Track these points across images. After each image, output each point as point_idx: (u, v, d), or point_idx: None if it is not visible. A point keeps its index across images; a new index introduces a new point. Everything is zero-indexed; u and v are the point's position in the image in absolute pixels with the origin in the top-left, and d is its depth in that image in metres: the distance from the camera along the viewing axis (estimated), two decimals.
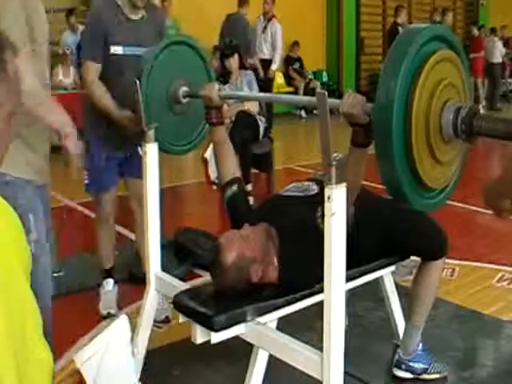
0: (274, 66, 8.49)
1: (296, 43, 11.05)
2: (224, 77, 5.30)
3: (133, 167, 3.07)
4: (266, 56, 8.34)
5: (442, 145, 1.68)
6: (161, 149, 2.57)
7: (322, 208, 1.75)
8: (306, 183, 2.36)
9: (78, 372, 1.18)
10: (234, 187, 2.34)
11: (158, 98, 2.53)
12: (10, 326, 0.81)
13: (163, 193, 2.64)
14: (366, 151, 1.84)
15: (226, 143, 2.43)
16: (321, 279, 1.85)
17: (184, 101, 2.57)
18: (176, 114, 2.61)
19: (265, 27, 8.47)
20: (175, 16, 8.29)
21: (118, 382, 1.26)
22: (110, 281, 3.32)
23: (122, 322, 1.27)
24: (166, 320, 3.13)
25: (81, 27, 8.49)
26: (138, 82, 2.46)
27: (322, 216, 1.77)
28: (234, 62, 5.16)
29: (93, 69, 2.91)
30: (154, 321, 3.10)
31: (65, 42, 8.38)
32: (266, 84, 8.38)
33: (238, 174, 2.40)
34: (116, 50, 2.90)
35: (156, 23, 3.05)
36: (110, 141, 3.02)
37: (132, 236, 4.34)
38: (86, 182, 3.16)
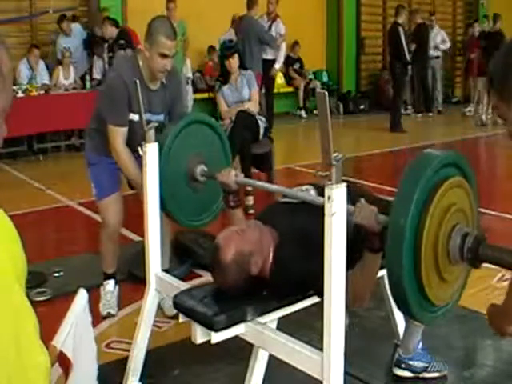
0: (277, 66, 8.46)
1: (296, 43, 11.04)
2: (224, 77, 5.30)
3: None
4: (269, 56, 8.31)
5: (448, 265, 1.76)
6: (180, 224, 2.68)
7: (323, 219, 1.75)
8: (305, 188, 2.36)
9: (60, 354, 1.19)
10: None
11: (176, 176, 2.58)
12: (0, 335, 0.82)
13: None
14: (380, 256, 1.90)
15: (241, 222, 2.39)
16: (313, 287, 1.88)
17: (201, 179, 2.61)
18: (194, 191, 2.66)
19: (269, 27, 8.45)
20: (181, 18, 8.33)
21: (86, 347, 1.29)
22: (111, 282, 3.32)
23: (80, 295, 1.30)
24: (177, 315, 3.14)
25: (73, 26, 8.50)
26: (137, 81, 2.47)
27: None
28: (233, 62, 5.15)
29: (121, 134, 2.97)
30: (165, 317, 3.14)
31: (60, 46, 8.40)
32: (267, 83, 8.37)
33: None
34: (133, 117, 2.95)
35: (172, 90, 3.10)
36: (107, 147, 3.05)
37: (132, 236, 4.35)
38: (94, 191, 3.20)
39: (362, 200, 1.88)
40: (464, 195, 1.83)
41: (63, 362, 1.20)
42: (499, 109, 1.38)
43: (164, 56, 2.89)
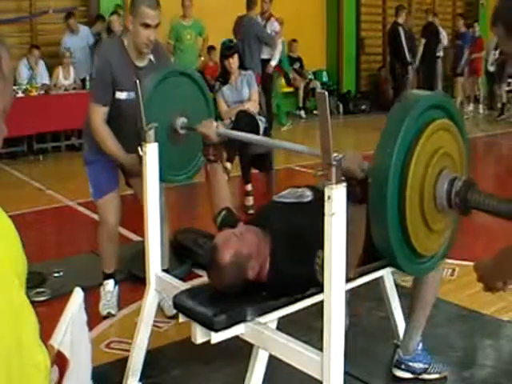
0: (273, 62, 8.47)
1: (294, 41, 10.97)
2: (223, 77, 5.30)
3: None
4: (265, 55, 8.31)
5: (435, 213, 1.67)
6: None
7: (322, 218, 1.75)
8: (301, 189, 2.36)
9: (58, 353, 1.20)
10: (223, 213, 2.34)
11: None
12: (1, 333, 0.82)
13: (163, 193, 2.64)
14: (364, 210, 1.84)
15: (222, 178, 2.42)
16: (310, 286, 1.88)
17: (182, 132, 2.58)
18: (174, 144, 2.61)
19: (264, 26, 8.46)
20: (196, 18, 8.39)
21: (81, 346, 1.30)
22: (111, 281, 3.32)
23: (76, 294, 1.31)
24: (177, 315, 3.14)
25: (81, 28, 8.51)
26: (137, 81, 2.47)
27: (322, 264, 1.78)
28: (233, 62, 5.15)
29: (100, 112, 2.97)
30: (165, 317, 3.14)
31: (65, 43, 8.38)
32: (265, 81, 8.37)
33: (229, 204, 2.38)
34: (120, 95, 2.96)
35: (160, 67, 3.06)
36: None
37: (132, 236, 4.35)
38: (91, 190, 3.21)
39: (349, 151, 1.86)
40: (452, 140, 1.73)
41: (60, 361, 1.20)
42: (507, 46, 1.55)
43: (147, 26, 2.88)
